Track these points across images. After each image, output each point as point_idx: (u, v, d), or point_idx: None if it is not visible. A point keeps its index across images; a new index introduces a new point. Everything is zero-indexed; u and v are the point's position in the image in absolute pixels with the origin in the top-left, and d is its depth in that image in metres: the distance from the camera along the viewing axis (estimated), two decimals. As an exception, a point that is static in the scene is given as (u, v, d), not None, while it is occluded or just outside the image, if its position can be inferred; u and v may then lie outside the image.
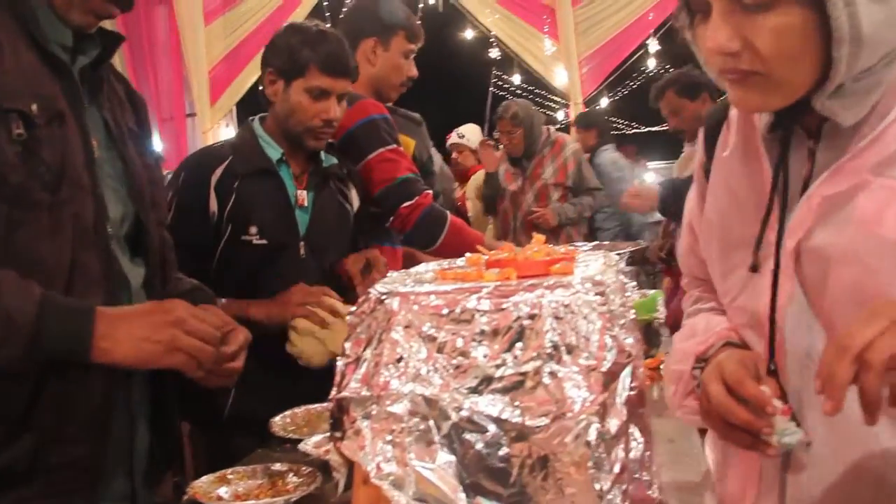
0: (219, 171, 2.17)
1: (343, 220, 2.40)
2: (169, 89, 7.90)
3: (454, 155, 6.46)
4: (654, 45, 7.43)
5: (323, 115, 2.18)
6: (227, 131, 7.78)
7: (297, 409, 1.83)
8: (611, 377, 0.90)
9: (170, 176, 2.24)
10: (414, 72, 2.80)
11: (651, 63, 7.99)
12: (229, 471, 1.60)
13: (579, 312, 0.91)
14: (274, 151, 2.23)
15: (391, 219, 2.46)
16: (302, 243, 2.24)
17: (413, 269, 1.16)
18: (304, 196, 2.27)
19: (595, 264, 1.11)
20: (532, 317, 0.91)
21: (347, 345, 1.00)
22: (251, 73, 7.62)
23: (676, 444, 1.39)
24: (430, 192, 2.49)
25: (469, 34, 7.93)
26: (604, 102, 11.38)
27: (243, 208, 2.15)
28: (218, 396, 2.14)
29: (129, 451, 1.53)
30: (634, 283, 2.69)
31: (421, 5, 7.68)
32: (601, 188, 5.09)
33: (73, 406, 1.39)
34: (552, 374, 0.89)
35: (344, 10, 6.52)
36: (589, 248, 3.67)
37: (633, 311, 1.05)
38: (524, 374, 0.90)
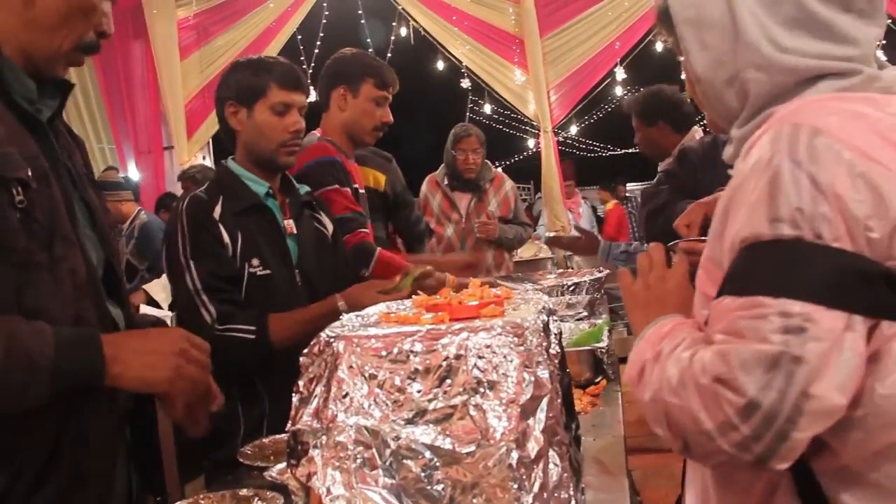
0: (217, 210, 2.24)
1: (323, 245, 2.46)
2: (146, 123, 7.97)
3: None
4: (620, 73, 7.62)
5: (290, 128, 2.26)
6: (204, 164, 7.87)
7: (265, 439, 1.95)
8: (528, 409, 1.03)
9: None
10: (388, 118, 2.93)
11: (618, 90, 8.19)
12: (201, 496, 1.71)
13: (499, 352, 1.04)
14: (260, 187, 2.30)
15: None
16: (297, 271, 2.33)
17: (363, 312, 1.29)
18: (291, 224, 2.37)
19: (525, 306, 1.25)
20: (459, 357, 1.05)
21: (300, 382, 1.13)
22: (227, 106, 7.72)
23: (604, 466, 1.52)
24: (365, 231, 2.67)
25: (441, 65, 8.09)
26: (573, 129, 11.66)
27: (246, 242, 2.23)
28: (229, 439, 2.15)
29: (128, 491, 1.58)
30: (583, 314, 2.84)
31: (393, 37, 7.87)
32: (532, 224, 5.26)
33: (90, 446, 1.42)
34: (477, 407, 1.03)
35: (318, 42, 6.62)
36: (554, 275, 3.82)
37: (556, 346, 1.18)
38: (453, 406, 1.03)
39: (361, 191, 2.94)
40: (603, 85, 7.72)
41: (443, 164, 4.93)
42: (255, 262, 2.21)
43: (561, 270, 4.11)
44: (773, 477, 1.12)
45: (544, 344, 1.10)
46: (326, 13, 7.66)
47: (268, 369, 2.15)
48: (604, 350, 1.97)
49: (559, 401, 1.10)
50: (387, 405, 1.05)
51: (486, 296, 1.26)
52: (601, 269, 3.64)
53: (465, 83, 7.94)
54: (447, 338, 1.06)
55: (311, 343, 1.14)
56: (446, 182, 4.92)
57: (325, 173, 2.71)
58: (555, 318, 1.29)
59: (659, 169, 3.42)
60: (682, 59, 1.32)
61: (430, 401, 1.04)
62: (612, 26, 7.45)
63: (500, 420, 1.02)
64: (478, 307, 1.18)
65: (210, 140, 7.97)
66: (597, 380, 1.94)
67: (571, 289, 3.22)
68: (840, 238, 1.02)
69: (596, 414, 1.76)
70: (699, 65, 1.27)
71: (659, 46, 7.59)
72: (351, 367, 1.08)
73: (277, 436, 1.84)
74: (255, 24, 7.73)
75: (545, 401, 1.05)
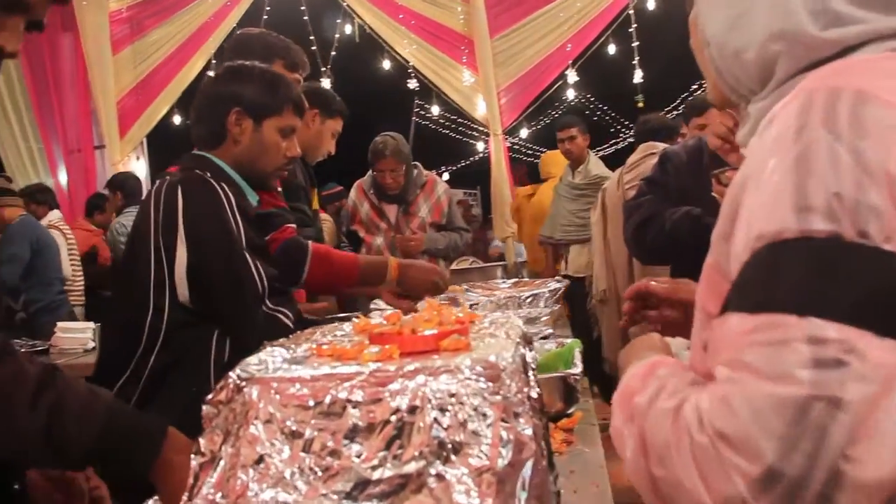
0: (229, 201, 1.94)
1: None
2: (75, 120, 7.52)
3: None
4: (572, 76, 7.41)
5: (289, 153, 2.11)
6: (137, 165, 7.47)
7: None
8: (507, 478, 0.77)
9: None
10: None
11: (570, 93, 7.98)
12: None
13: (468, 403, 0.78)
14: (251, 197, 2.09)
15: None
16: None
17: (290, 343, 1.01)
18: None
19: (496, 336, 0.98)
20: (413, 409, 0.78)
21: (202, 441, 0.85)
22: (162, 105, 7.36)
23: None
24: (291, 226, 2.34)
25: (387, 64, 7.80)
26: (524, 133, 11.46)
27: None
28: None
29: None
30: (546, 331, 2.59)
31: (337, 35, 7.57)
32: (468, 230, 4.97)
33: None
34: (438, 477, 0.76)
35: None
36: (508, 285, 3.57)
37: (536, 387, 0.92)
38: (406, 476, 0.76)
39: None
40: (555, 87, 7.49)
41: (369, 172, 4.64)
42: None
43: (514, 280, 3.83)
44: None
45: (525, 389, 0.83)
46: (268, 8, 7.31)
47: None
48: (577, 377, 1.70)
49: (545, 462, 0.84)
50: (315, 474, 0.78)
51: (447, 321, 0.99)
52: (559, 278, 3.41)
53: (413, 84, 7.65)
54: (397, 382, 0.79)
55: (218, 386, 0.86)
56: (373, 192, 4.62)
57: None
58: (532, 348, 1.03)
59: (640, 179, 3.18)
60: (690, 14, 1.07)
61: (374, 468, 0.77)
62: (564, 27, 7.22)
63: (471, 495, 0.75)
64: (436, 337, 0.91)
65: (144, 140, 7.56)
66: (570, 411, 1.68)
67: (529, 300, 2.97)
68: (893, 238, 0.75)
69: (574, 455, 1.49)
70: (712, 24, 1.01)
71: (612, 49, 7.42)
72: (268, 421, 0.80)
73: None
74: (193, 18, 7.35)
75: (529, 465, 0.79)
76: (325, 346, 0.93)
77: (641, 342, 1.10)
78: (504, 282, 3.69)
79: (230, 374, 0.86)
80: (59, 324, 4.03)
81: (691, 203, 2.58)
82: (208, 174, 1.95)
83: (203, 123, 2.08)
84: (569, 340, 2.02)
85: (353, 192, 4.77)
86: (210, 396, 0.86)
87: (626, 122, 12.38)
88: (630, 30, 7.23)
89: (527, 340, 1.04)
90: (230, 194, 1.91)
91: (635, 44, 7.30)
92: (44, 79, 7.49)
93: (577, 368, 1.73)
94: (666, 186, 2.73)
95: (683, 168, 2.71)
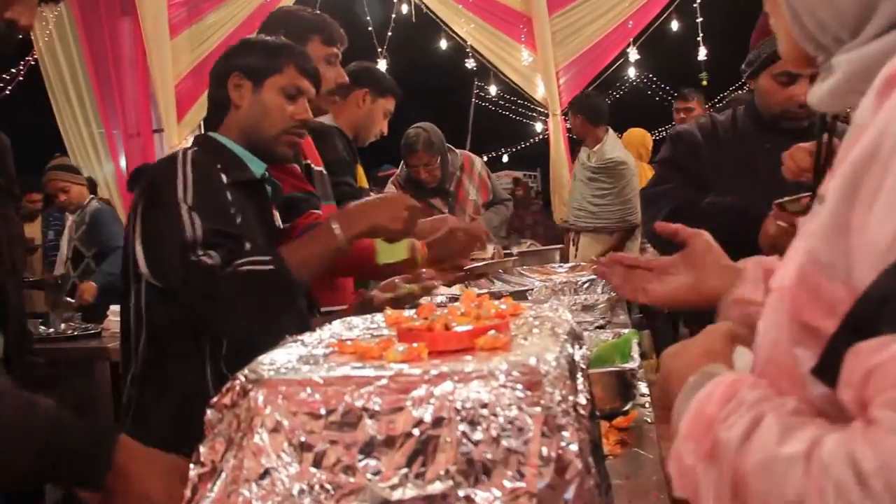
0: (223, 176, 1.84)
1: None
2: (135, 104, 7.57)
3: None
4: (633, 54, 7.20)
5: (297, 115, 1.95)
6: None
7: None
8: (546, 502, 0.66)
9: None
10: (343, 78, 2.60)
11: (631, 72, 7.77)
12: None
13: (503, 415, 0.67)
14: (257, 167, 1.95)
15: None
16: None
17: (311, 338, 0.91)
18: (278, 217, 2.04)
19: (539, 332, 0.87)
20: (439, 421, 0.67)
21: (202, 449, 0.75)
22: (219, 87, 7.35)
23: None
24: (318, 212, 2.26)
25: (444, 44, 7.68)
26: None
27: (246, 223, 1.83)
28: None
29: None
30: (603, 320, 2.44)
31: (394, 15, 7.47)
32: (510, 198, 4.83)
33: None
34: (467, 500, 0.65)
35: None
36: (565, 269, 3.44)
37: (585, 392, 0.80)
38: (430, 498, 0.66)
39: (318, 168, 2.59)
40: (615, 66, 7.29)
41: (401, 164, 4.48)
42: (248, 246, 1.77)
43: (572, 264, 3.69)
44: None
45: (571, 397, 0.72)
46: (323, -11, 7.26)
47: None
48: (634, 371, 1.57)
49: (593, 482, 0.72)
50: (327, 493, 0.68)
51: (485, 314, 0.88)
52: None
53: (470, 64, 7.52)
54: (422, 388, 0.68)
55: (224, 388, 0.77)
56: (409, 186, 4.39)
57: None
58: (582, 346, 0.91)
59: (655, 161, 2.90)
60: None
61: (393, 488, 0.67)
62: (626, 3, 7.00)
63: (504, 523, 0.64)
64: (471, 334, 0.80)
65: (202, 123, 7.57)
66: (625, 408, 1.55)
67: (586, 286, 2.83)
68: None
69: (629, 459, 1.35)
70: None
71: (675, 25, 7.18)
72: (275, 430, 0.70)
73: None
74: (249, 0, 7.33)
75: (573, 487, 0.68)
76: (347, 343, 0.83)
77: (697, 344, 0.91)
78: (561, 266, 3.56)
79: (238, 374, 0.76)
80: (112, 307, 4.02)
81: (714, 188, 2.35)
82: (195, 149, 1.87)
83: (210, 101, 2.01)
84: (626, 331, 1.89)
85: (388, 188, 4.58)
86: (215, 399, 0.76)
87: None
88: (695, 5, 6.98)
89: (576, 337, 0.92)
90: (204, 163, 1.79)
91: (699, 19, 7.06)
92: (104, 64, 7.54)
93: (635, 362, 1.60)
94: (686, 170, 2.46)
95: (700, 150, 2.44)
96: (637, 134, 6.14)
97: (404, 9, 7.49)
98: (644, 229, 2.60)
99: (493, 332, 0.80)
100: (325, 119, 2.83)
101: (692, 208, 2.30)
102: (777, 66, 2.23)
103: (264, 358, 0.80)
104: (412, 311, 0.99)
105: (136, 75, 7.56)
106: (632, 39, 7.16)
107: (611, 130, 5.29)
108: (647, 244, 5.32)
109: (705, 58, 7.16)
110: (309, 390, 0.70)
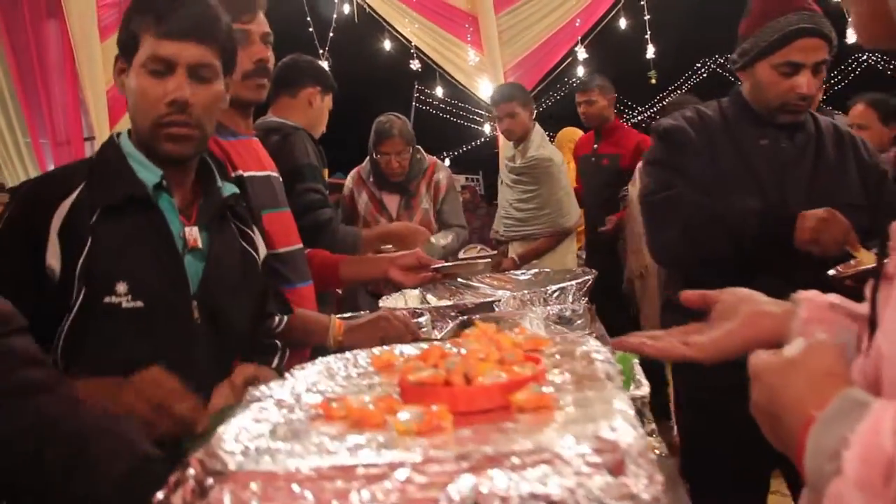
0: (64, 207, 1.50)
1: (249, 272, 1.75)
2: (63, 111, 7.22)
3: None
4: (582, 53, 7.08)
5: (167, 97, 1.53)
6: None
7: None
8: None
9: None
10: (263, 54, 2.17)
11: (580, 71, 7.63)
12: None
13: (580, 519, 0.47)
14: (150, 174, 1.57)
15: None
16: (194, 302, 1.58)
17: (285, 388, 0.70)
18: (194, 235, 1.62)
19: (584, 372, 0.67)
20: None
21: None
22: (154, 92, 7.05)
23: None
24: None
25: (388, 45, 7.48)
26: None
27: (105, 257, 1.50)
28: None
29: None
30: (584, 334, 2.25)
31: (335, 15, 7.23)
32: (465, 227, 4.28)
33: None
34: None
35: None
36: (528, 276, 3.25)
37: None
38: None
39: (263, 173, 2.20)
40: (563, 65, 7.16)
41: (367, 158, 4.18)
42: (121, 287, 1.49)
43: (535, 271, 3.48)
44: None
45: (658, 476, 0.52)
46: (262, -12, 6.99)
47: None
48: (645, 399, 1.34)
49: None
50: None
51: (513, 358, 0.68)
52: (586, 269, 3.07)
53: (415, 65, 7.32)
54: (462, 482, 0.48)
55: (172, 478, 0.55)
56: (372, 180, 4.13)
57: None
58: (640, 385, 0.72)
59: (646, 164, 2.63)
60: None
61: None
62: (572, 2, 6.88)
63: None
64: (502, 388, 0.60)
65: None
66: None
67: (556, 295, 2.64)
68: None
69: None
70: None
71: (622, 23, 7.09)
72: (247, 545, 0.49)
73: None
74: (183, 1, 7.04)
75: None
76: (334, 404, 0.62)
77: (810, 364, 0.76)
78: (524, 273, 3.35)
79: (191, 458, 0.55)
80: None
81: (710, 186, 2.13)
82: (71, 167, 1.66)
83: None
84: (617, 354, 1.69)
85: (349, 182, 4.27)
86: (160, 496, 0.55)
87: (637, 100, 12.05)
88: (642, 2, 6.90)
89: (619, 372, 0.73)
90: (47, 201, 1.52)
91: (647, 17, 6.98)
92: (30, 68, 7.18)
93: (644, 387, 1.39)
94: (684, 171, 2.18)
95: (694, 146, 2.20)
96: (568, 132, 5.95)
97: (346, 9, 7.26)
98: (651, 244, 2.31)
99: (533, 384, 0.60)
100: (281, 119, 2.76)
101: (708, 220, 2.10)
102: (779, 55, 2.06)
103: (226, 430, 0.59)
104: (409, 350, 0.78)
105: (65, 80, 7.22)
106: (580, 38, 7.04)
107: (538, 126, 4.69)
108: (582, 252, 5.04)
109: (653, 56, 7.08)
110: (296, 488, 0.49)
